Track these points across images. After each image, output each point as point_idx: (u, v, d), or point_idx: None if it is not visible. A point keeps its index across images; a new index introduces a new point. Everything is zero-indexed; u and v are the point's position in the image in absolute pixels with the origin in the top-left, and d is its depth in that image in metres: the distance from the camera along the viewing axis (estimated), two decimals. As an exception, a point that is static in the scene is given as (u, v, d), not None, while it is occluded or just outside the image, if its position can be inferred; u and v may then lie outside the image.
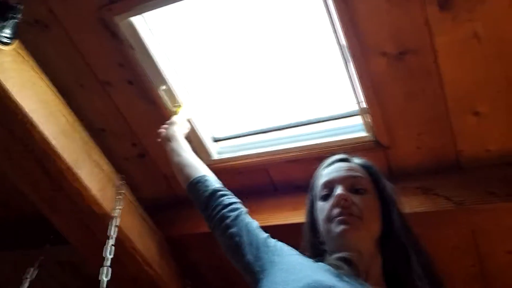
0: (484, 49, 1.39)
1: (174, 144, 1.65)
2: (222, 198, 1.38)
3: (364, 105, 1.63)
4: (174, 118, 1.77)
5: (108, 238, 1.78)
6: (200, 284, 2.29)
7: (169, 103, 1.81)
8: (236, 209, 1.35)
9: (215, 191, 1.40)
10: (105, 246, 1.76)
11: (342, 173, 1.25)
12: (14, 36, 1.58)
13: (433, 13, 1.36)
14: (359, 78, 1.55)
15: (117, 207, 1.85)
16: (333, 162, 1.33)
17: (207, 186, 1.43)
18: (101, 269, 1.72)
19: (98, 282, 1.71)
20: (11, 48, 1.59)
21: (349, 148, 1.68)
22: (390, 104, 1.59)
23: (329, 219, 1.18)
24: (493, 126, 1.54)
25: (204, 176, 1.48)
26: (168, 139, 1.68)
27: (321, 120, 1.85)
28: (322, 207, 1.22)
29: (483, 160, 1.62)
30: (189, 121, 1.84)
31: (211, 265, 2.24)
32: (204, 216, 1.40)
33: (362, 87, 1.57)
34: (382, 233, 1.19)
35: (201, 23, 1.78)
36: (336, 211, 1.17)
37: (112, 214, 1.82)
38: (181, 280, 2.16)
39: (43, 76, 1.72)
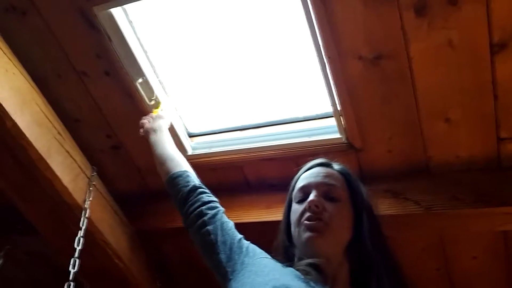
0: (458, 57, 1.41)
1: (158, 136, 1.66)
2: (201, 195, 1.39)
3: (338, 107, 1.64)
4: (160, 112, 1.78)
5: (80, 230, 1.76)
6: (170, 278, 2.28)
7: (145, 96, 1.80)
8: (215, 207, 1.37)
9: (196, 187, 1.42)
10: (77, 237, 1.75)
11: (319, 179, 1.28)
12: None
13: (409, 19, 1.38)
14: (334, 80, 1.56)
15: (88, 199, 1.83)
16: (312, 166, 1.35)
17: (187, 182, 1.44)
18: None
19: (67, 273, 1.70)
20: (-16, 33, 1.57)
21: (323, 149, 1.70)
22: (364, 107, 1.61)
23: (299, 222, 1.21)
24: (463, 132, 1.57)
25: (185, 171, 1.49)
26: (153, 130, 1.68)
27: (296, 120, 1.86)
28: (296, 210, 1.25)
29: (452, 165, 1.65)
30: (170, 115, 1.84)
31: (182, 261, 2.24)
32: (181, 211, 1.41)
33: (337, 89, 1.58)
34: (351, 241, 1.21)
35: (181, 18, 1.77)
36: (306, 215, 1.20)
37: (83, 206, 1.81)
38: (151, 274, 2.15)
39: (17, 64, 1.71)
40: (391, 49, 1.46)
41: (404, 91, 1.54)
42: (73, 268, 1.68)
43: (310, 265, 1.13)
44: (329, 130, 1.76)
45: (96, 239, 1.87)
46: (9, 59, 1.66)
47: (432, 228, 1.70)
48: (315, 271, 1.12)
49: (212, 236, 1.28)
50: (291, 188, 1.36)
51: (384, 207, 1.59)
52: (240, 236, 1.30)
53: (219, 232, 1.28)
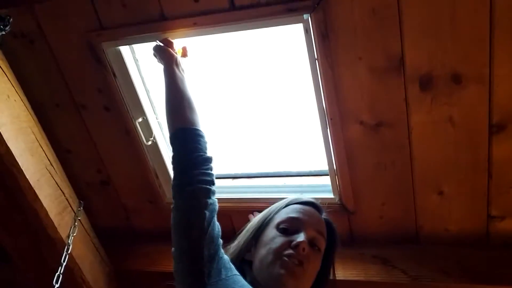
0: (457, 133, 1.44)
1: (182, 75, 1.43)
2: (213, 175, 1.27)
3: (335, 167, 1.65)
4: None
5: (61, 265, 1.71)
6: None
7: (143, 136, 1.79)
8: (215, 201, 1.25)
9: (212, 161, 1.29)
10: (57, 273, 1.69)
11: (312, 222, 1.26)
12: (-2, 47, 1.56)
13: (414, 91, 1.42)
14: (334, 141, 1.58)
15: (72, 234, 1.79)
16: (306, 203, 1.32)
17: (207, 149, 1.30)
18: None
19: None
20: (-9, 58, 1.57)
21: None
22: (360, 171, 1.63)
23: (278, 254, 1.16)
24: (454, 207, 1.59)
25: (205, 136, 1.33)
26: (178, 63, 1.45)
27: (290, 174, 1.87)
28: (275, 237, 1.20)
29: (441, 238, 1.66)
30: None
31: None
32: (184, 169, 1.22)
33: (335, 150, 1.60)
34: None
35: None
36: (289, 252, 1.16)
37: (67, 241, 1.76)
38: (125, 318, 2.09)
39: (19, 91, 1.70)
40: (393, 118, 1.50)
41: (401, 160, 1.56)
42: (49, 305, 1.62)
43: None
44: (323, 188, 1.77)
45: (75, 276, 1.82)
46: (12, 85, 1.65)
47: (416, 299, 1.69)
48: None
49: (205, 223, 1.15)
50: (275, 209, 1.31)
51: (372, 273, 1.58)
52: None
53: (213, 226, 1.17)
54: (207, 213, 1.17)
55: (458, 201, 1.57)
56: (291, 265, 1.14)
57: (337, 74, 1.46)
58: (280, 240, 1.19)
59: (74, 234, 1.79)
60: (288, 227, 1.22)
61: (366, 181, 1.64)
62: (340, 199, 1.70)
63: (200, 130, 1.30)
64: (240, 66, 1.74)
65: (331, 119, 1.54)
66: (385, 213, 1.69)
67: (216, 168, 1.95)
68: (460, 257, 1.61)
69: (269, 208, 1.35)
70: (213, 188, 1.24)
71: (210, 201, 1.20)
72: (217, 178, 1.95)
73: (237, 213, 1.90)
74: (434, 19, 1.29)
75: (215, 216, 1.21)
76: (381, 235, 1.73)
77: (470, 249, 1.62)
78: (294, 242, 1.16)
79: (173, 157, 1.26)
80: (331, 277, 1.33)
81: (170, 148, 1.30)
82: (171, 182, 1.84)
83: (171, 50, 1.47)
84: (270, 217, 1.29)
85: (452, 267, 1.58)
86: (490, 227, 1.59)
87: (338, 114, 1.53)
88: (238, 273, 1.15)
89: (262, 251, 1.19)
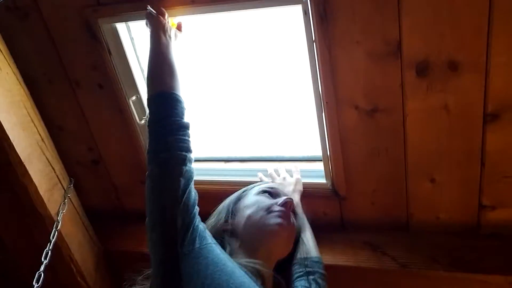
0: (451, 121, 1.44)
1: (169, 43, 1.39)
2: (190, 141, 1.24)
3: (328, 152, 1.65)
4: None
5: (49, 242, 1.70)
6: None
7: (136, 115, 1.77)
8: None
9: (189, 127, 1.25)
10: (45, 250, 1.68)
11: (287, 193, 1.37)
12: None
13: (410, 77, 1.41)
14: (329, 126, 1.58)
15: (62, 211, 1.77)
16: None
17: (184, 115, 1.26)
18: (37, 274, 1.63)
19: (22, 285, 1.63)
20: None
21: (306, 192, 1.69)
22: (353, 156, 1.62)
23: (268, 210, 1.21)
24: (446, 195, 1.59)
25: (184, 102, 1.29)
26: (166, 30, 1.40)
27: (283, 159, 1.86)
28: (259, 199, 1.26)
29: (432, 226, 1.66)
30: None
31: None
32: (158, 133, 1.18)
33: (329, 135, 1.59)
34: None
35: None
36: (279, 208, 1.22)
37: (56, 218, 1.75)
38: (113, 297, 2.08)
39: (12, 64, 1.68)
40: (388, 104, 1.49)
41: (395, 147, 1.56)
42: (37, 282, 1.60)
43: (255, 270, 1.12)
44: (315, 174, 1.77)
45: (63, 254, 1.80)
46: (5, 58, 1.63)
47: (404, 287, 1.69)
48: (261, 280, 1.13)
49: (180, 192, 1.12)
50: (250, 187, 1.40)
51: (362, 259, 1.58)
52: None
53: (188, 194, 1.13)
54: (182, 180, 1.14)
55: (450, 189, 1.57)
56: (286, 214, 1.21)
57: (334, 57, 1.45)
58: (266, 200, 1.26)
59: (64, 212, 1.78)
60: (271, 192, 1.31)
61: (359, 167, 1.64)
62: (332, 184, 1.70)
63: (178, 95, 1.25)
64: (237, 49, 1.73)
65: (326, 102, 1.53)
66: (376, 199, 1.69)
67: (209, 151, 1.96)
68: (450, 245, 1.61)
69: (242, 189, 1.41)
70: (190, 155, 1.20)
71: (185, 168, 1.16)
72: (209, 161, 1.97)
73: (227, 196, 1.89)
74: (433, 5, 1.28)
75: (191, 184, 1.17)
76: (372, 221, 1.74)
77: (460, 238, 1.63)
78: (282, 200, 1.24)
79: (149, 122, 1.21)
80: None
81: None
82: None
83: (160, 17, 1.42)
84: (247, 191, 1.36)
85: (442, 255, 1.58)
86: (481, 216, 1.59)
87: (333, 98, 1.52)
88: (214, 242, 1.13)
89: (249, 211, 1.23)
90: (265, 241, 1.17)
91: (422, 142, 1.52)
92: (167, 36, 1.40)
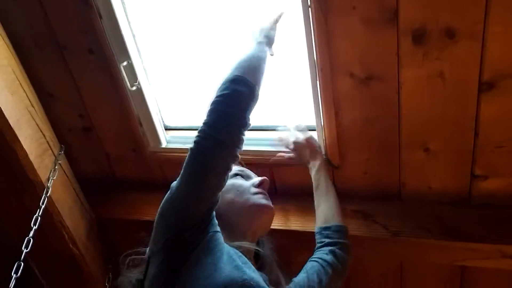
0: (446, 89, 1.43)
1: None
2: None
3: (322, 121, 1.64)
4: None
5: (39, 208, 1.69)
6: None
7: (127, 80, 1.75)
8: None
9: None
10: (35, 216, 1.67)
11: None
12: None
13: (406, 45, 1.39)
14: (323, 94, 1.56)
15: (52, 177, 1.76)
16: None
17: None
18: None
19: (14, 251, 1.62)
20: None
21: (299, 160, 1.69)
22: (347, 125, 1.62)
23: (248, 191, 1.20)
24: (439, 165, 1.59)
25: None
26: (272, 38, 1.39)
27: (277, 128, 1.85)
28: (235, 182, 1.23)
29: (424, 195, 1.67)
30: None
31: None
32: (236, 132, 1.09)
33: (324, 103, 1.58)
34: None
35: (176, 9, 1.74)
36: (259, 189, 1.22)
37: (46, 184, 1.73)
38: (105, 265, 2.09)
39: (0, 28, 1.63)
40: (383, 72, 1.47)
41: (389, 115, 1.55)
42: (26, 248, 1.59)
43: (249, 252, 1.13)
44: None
45: (54, 220, 1.79)
46: (-7, 21, 1.58)
47: (395, 255, 1.71)
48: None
49: (223, 183, 1.08)
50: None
51: (353, 227, 1.58)
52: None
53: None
54: (227, 177, 1.09)
55: (443, 159, 1.57)
56: (267, 197, 1.21)
57: (330, 23, 1.42)
58: (243, 182, 1.24)
59: (54, 178, 1.77)
60: (241, 175, 1.28)
61: (353, 136, 1.63)
62: (326, 153, 1.69)
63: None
64: (230, 13, 1.69)
65: (321, 70, 1.51)
66: (369, 168, 1.69)
67: (196, 119, 1.94)
68: (440, 214, 1.62)
69: None
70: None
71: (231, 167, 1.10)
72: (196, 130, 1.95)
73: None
74: (432, -29, 1.27)
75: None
76: (364, 190, 1.74)
77: (451, 207, 1.64)
78: (258, 181, 1.23)
79: (228, 103, 1.09)
80: None
81: (219, 87, 1.12)
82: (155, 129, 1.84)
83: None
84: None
85: (433, 224, 1.59)
86: (472, 186, 1.60)
87: (328, 65, 1.50)
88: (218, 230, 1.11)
89: (228, 196, 1.19)
90: (253, 223, 1.16)
91: (417, 111, 1.51)
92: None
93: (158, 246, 1.03)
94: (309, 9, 1.42)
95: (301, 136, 1.65)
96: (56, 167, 1.80)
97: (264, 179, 1.27)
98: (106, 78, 1.80)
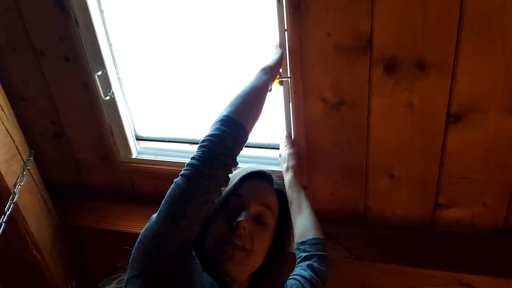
0: (415, 119, 1.46)
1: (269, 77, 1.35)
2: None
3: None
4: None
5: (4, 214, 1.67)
6: (86, 281, 2.19)
7: (101, 90, 1.74)
8: None
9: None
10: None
11: (257, 196, 1.23)
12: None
13: (377, 73, 1.42)
14: (295, 116, 1.58)
15: (19, 183, 1.74)
16: (254, 174, 1.29)
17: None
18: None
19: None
20: None
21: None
22: (317, 147, 1.64)
23: (220, 242, 1.14)
24: (404, 191, 1.63)
25: None
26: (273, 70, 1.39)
27: (249, 145, 1.86)
28: (219, 219, 1.18)
29: (388, 220, 1.70)
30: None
31: (102, 265, 2.15)
32: (218, 166, 1.06)
33: (295, 124, 1.60)
34: (260, 267, 1.21)
35: (152, 20, 1.74)
36: (230, 235, 1.14)
37: (13, 189, 1.71)
38: (68, 273, 2.07)
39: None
40: (354, 98, 1.50)
41: (357, 141, 1.58)
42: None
43: (220, 281, 1.10)
44: (278, 162, 1.77)
45: (18, 226, 1.77)
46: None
47: (357, 277, 1.73)
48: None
49: (202, 220, 1.06)
50: (228, 189, 1.24)
51: (318, 248, 1.60)
52: None
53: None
54: (208, 210, 1.08)
55: (408, 186, 1.61)
56: (232, 254, 1.12)
57: (305, 47, 1.45)
58: (223, 221, 1.18)
59: (22, 184, 1.74)
60: (232, 207, 1.20)
61: (321, 158, 1.66)
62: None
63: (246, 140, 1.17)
64: (209, 33, 1.70)
65: (294, 92, 1.53)
66: (336, 191, 1.72)
67: (174, 132, 1.95)
68: (403, 240, 1.66)
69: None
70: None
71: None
72: (174, 142, 1.95)
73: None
74: (406, 3, 1.30)
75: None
76: (330, 212, 1.76)
77: (414, 233, 1.68)
78: (235, 223, 1.15)
79: (214, 142, 1.08)
80: (286, 249, 1.34)
81: (213, 126, 1.13)
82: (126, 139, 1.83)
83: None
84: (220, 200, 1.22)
85: (395, 249, 1.63)
86: (435, 214, 1.64)
87: (301, 89, 1.52)
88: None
89: (208, 236, 1.18)
90: (220, 273, 1.15)
91: (385, 139, 1.54)
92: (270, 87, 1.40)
93: (134, 272, 1.03)
94: (285, 32, 1.44)
95: (283, 152, 1.65)
96: (25, 172, 1.78)
97: (239, 222, 1.15)
98: (80, 86, 1.79)
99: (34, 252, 1.84)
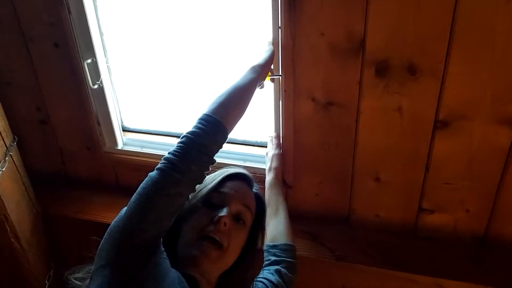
0: (403, 123, 1.47)
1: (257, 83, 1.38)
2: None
3: (281, 141, 1.65)
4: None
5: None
6: (64, 270, 2.15)
7: (90, 78, 1.72)
8: None
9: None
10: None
11: (239, 196, 1.23)
12: None
13: (369, 76, 1.43)
14: (284, 114, 1.58)
15: (1, 168, 1.71)
16: (236, 175, 1.30)
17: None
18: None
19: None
20: None
21: (254, 176, 1.68)
22: (304, 147, 1.64)
23: (199, 233, 1.13)
24: (389, 195, 1.63)
25: None
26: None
27: (235, 142, 1.86)
28: (199, 212, 1.18)
29: (371, 223, 1.71)
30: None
31: (81, 255, 2.13)
32: (192, 161, 1.07)
33: (284, 123, 1.60)
34: (230, 267, 1.21)
35: (146, 12, 1.73)
36: (209, 229, 1.13)
37: (-7, 175, 1.68)
38: (47, 262, 2.03)
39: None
40: (344, 99, 1.51)
41: (345, 142, 1.59)
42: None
43: (190, 278, 1.09)
44: (264, 159, 1.77)
45: (-3, 213, 1.74)
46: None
47: (338, 278, 1.73)
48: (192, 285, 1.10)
49: (175, 213, 1.06)
50: (211, 185, 1.23)
51: (300, 248, 1.60)
52: None
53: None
54: (179, 205, 1.07)
55: (393, 190, 1.62)
56: (207, 250, 1.12)
57: (298, 46, 1.45)
58: (203, 215, 1.17)
59: (3, 169, 1.71)
60: (214, 202, 1.20)
61: (308, 158, 1.66)
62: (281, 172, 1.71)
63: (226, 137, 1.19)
64: (203, 29, 1.70)
65: (285, 91, 1.53)
66: (321, 191, 1.72)
67: (161, 126, 1.93)
68: (385, 243, 1.67)
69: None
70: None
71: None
72: (161, 135, 1.94)
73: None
74: (400, 7, 1.31)
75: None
76: (314, 212, 1.77)
77: (397, 236, 1.69)
78: (216, 217, 1.15)
79: (192, 140, 1.09)
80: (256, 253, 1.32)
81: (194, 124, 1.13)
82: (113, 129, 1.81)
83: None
84: (200, 192, 1.23)
85: (377, 252, 1.64)
86: (419, 218, 1.65)
87: (292, 87, 1.52)
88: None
89: (185, 229, 1.17)
90: (191, 267, 1.14)
91: (372, 141, 1.55)
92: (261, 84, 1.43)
93: (102, 262, 1.01)
94: (279, 30, 1.44)
95: (270, 151, 1.67)
96: (7, 158, 1.75)
97: (221, 217, 1.14)
98: (69, 74, 1.77)
99: (12, 239, 1.81)
